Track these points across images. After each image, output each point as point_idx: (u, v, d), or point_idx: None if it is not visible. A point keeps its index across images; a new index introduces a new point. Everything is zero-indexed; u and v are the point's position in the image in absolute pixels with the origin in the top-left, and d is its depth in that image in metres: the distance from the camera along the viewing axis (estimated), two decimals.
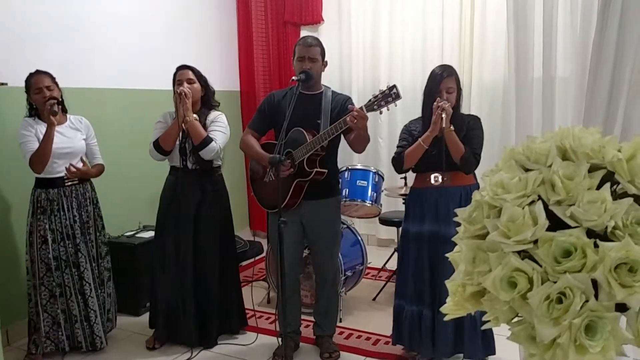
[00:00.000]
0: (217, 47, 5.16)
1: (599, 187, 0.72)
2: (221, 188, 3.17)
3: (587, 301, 0.67)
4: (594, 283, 0.68)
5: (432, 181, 2.66)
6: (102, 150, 3.21)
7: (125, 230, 3.81)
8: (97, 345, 3.03)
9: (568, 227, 0.71)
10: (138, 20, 4.19)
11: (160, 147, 2.97)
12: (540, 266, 0.70)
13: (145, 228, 3.86)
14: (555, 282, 0.68)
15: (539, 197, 0.74)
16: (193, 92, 2.96)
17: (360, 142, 2.78)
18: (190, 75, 3.00)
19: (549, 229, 0.71)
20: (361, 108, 2.54)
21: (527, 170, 0.78)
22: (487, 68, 4.49)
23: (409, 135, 2.73)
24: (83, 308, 2.99)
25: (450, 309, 0.78)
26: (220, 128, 3.05)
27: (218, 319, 3.16)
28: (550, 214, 0.72)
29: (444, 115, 2.47)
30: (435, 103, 2.52)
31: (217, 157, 3.06)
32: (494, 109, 4.51)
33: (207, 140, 2.94)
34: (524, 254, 0.72)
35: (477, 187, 2.68)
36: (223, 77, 5.24)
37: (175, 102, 2.95)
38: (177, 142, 3.00)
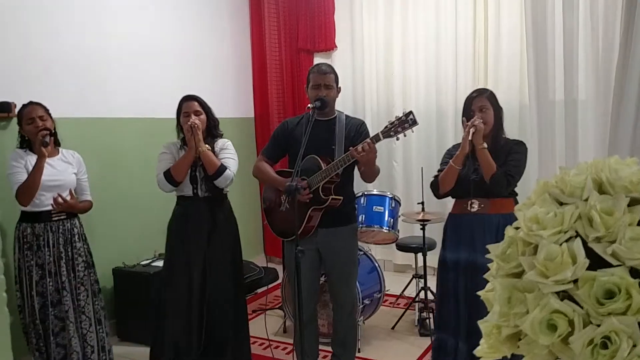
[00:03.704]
0: (231, 74, 5.21)
1: None
2: (231, 215, 3.16)
3: (634, 346, 0.62)
4: None
5: (469, 208, 2.58)
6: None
7: (141, 259, 3.80)
8: None
9: (609, 264, 0.67)
10: (153, 50, 4.27)
11: (172, 178, 2.95)
12: (582, 308, 0.66)
13: (161, 256, 3.83)
14: (598, 325, 0.64)
15: (577, 234, 0.70)
16: (201, 123, 2.97)
17: (367, 175, 2.79)
18: (197, 106, 3.00)
19: (588, 268, 0.67)
20: (376, 136, 2.54)
21: (561, 204, 0.75)
22: (502, 92, 4.43)
23: (449, 158, 2.66)
24: (63, 350, 2.84)
25: (485, 352, 0.74)
26: (231, 155, 3.06)
27: (234, 349, 3.09)
28: (588, 251, 0.68)
29: (472, 131, 2.44)
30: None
31: (231, 184, 3.06)
32: (510, 134, 4.44)
33: (222, 169, 2.94)
34: (562, 294, 0.68)
35: None
36: (237, 104, 5.29)
37: (184, 134, 2.96)
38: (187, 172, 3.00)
